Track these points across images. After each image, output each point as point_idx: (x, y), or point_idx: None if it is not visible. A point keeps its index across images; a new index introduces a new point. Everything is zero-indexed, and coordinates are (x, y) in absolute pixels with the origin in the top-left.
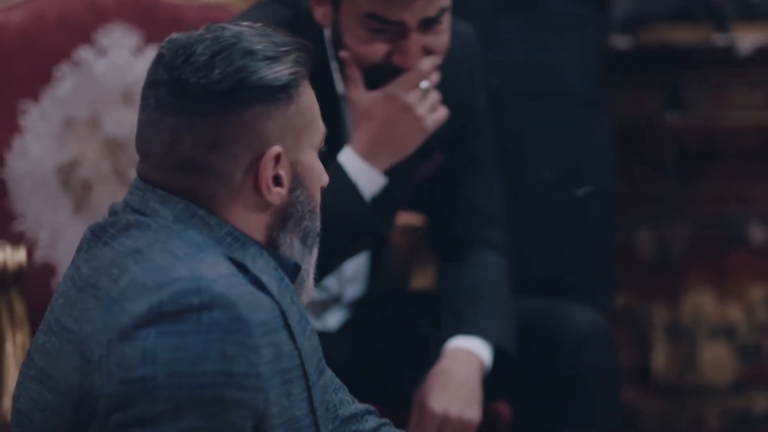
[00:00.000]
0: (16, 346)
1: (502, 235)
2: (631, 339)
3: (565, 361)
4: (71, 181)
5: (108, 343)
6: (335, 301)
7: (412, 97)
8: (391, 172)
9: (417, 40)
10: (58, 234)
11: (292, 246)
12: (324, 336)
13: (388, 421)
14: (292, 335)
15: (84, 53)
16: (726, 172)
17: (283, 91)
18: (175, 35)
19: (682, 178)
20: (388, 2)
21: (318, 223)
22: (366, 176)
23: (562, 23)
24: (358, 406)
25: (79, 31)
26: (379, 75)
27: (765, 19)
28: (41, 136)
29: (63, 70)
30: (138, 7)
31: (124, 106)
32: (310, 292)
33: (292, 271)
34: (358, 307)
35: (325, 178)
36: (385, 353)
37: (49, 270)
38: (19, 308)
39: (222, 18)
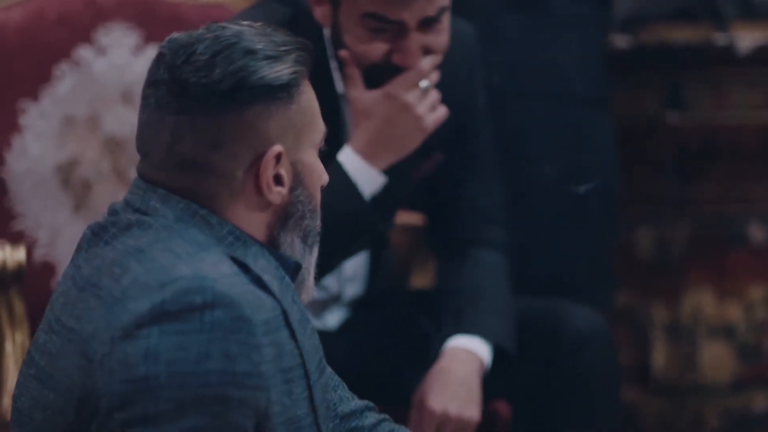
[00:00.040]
0: (15, 345)
1: (501, 235)
2: (631, 338)
3: (565, 360)
4: (71, 180)
5: (110, 342)
6: (335, 300)
7: (411, 97)
8: (390, 172)
9: (416, 39)
10: (58, 233)
11: (292, 245)
12: (323, 335)
13: (387, 417)
14: (293, 334)
15: (84, 52)
16: (726, 171)
17: (283, 91)
18: (175, 35)
19: (682, 177)
20: (388, 2)
21: (318, 222)
22: (365, 175)
23: (565, 23)
24: (357, 403)
25: (79, 30)
26: (378, 74)
27: (765, 19)
28: (41, 135)
29: (63, 69)
30: (138, 6)
31: (124, 105)
32: (310, 291)
33: (293, 270)
34: (357, 306)
35: (325, 178)
36: (384, 352)
37: (48, 269)
38: (19, 307)
39: (221, 17)
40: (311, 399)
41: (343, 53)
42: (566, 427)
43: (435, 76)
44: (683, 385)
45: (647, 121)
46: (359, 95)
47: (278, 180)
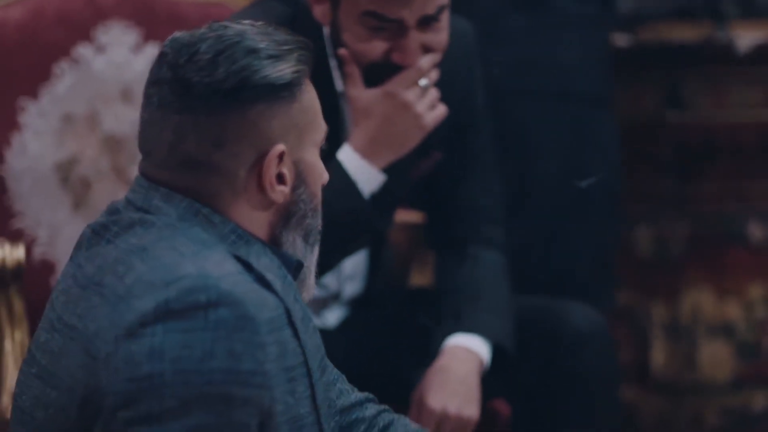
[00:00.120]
0: (14, 344)
1: (501, 234)
2: (630, 337)
3: (564, 359)
4: (70, 179)
5: (114, 341)
6: (334, 298)
7: (411, 95)
8: (390, 170)
9: (416, 37)
10: (57, 231)
11: (294, 244)
12: (323, 333)
13: (387, 407)
14: (296, 333)
15: (83, 50)
16: (725, 170)
17: (286, 90)
18: (177, 34)
19: (682, 176)
20: (388, 0)
21: (320, 221)
22: (365, 174)
23: (569, 22)
24: (357, 395)
25: (79, 29)
26: (378, 73)
27: (765, 17)
28: (40, 133)
29: (62, 67)
30: (137, 5)
31: (123, 103)
32: (311, 289)
33: (295, 268)
34: (357, 304)
35: (326, 176)
36: (383, 351)
37: (48, 267)
38: (18, 306)
39: (221, 15)
40: (313, 398)
41: (342, 52)
42: (565, 426)
43: (434, 75)
44: (683, 384)
45: (647, 120)
46: (359, 94)
47: (281, 179)
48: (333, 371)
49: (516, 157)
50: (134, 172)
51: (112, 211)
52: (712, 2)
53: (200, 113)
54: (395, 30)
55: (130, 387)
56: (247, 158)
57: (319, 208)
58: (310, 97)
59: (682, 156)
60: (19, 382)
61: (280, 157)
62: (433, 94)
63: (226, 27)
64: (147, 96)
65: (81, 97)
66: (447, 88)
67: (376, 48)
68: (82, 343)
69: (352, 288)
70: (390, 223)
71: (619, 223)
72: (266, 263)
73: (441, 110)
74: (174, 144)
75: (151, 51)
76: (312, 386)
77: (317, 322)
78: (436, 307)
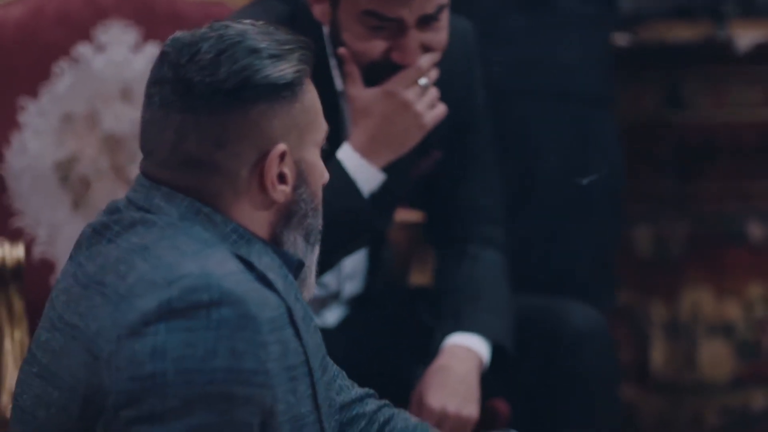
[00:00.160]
0: (14, 343)
1: (500, 233)
2: (630, 336)
3: (564, 359)
4: (70, 178)
5: (117, 340)
6: (334, 297)
7: (410, 94)
8: (389, 169)
9: (415, 37)
10: (57, 230)
11: (295, 243)
12: (322, 333)
13: (387, 402)
14: (297, 332)
15: (83, 49)
16: (725, 169)
17: (287, 89)
18: (178, 33)
19: (681, 175)
20: None
21: (320, 221)
22: (365, 173)
23: (569, 21)
24: (357, 391)
25: (78, 28)
26: (377, 72)
27: (764, 17)
28: (40, 132)
29: (62, 66)
30: (137, 4)
31: (123, 102)
32: (311, 289)
33: (296, 268)
34: (356, 303)
35: (326, 176)
36: (383, 350)
37: (47, 266)
38: (18, 305)
39: (220, 14)
40: (314, 397)
41: (342, 51)
42: (565, 425)
43: (434, 74)
44: (682, 384)
45: (647, 120)
46: (358, 93)
47: (282, 178)
48: (333, 367)
49: (517, 157)
50: (134, 171)
51: (113, 210)
52: (712, 2)
53: (202, 113)
54: (395, 29)
55: (133, 386)
56: (248, 158)
57: (320, 207)
58: (311, 96)
59: (682, 155)
60: (19, 382)
61: (282, 156)
62: (433, 93)
63: (227, 26)
64: (148, 96)
65: (81, 97)
66: (447, 87)
67: (376, 47)
68: (84, 342)
69: (351, 287)
70: (389, 222)
71: (620, 223)
72: (267, 262)
73: (440, 109)
74: (175, 143)
75: (151, 50)
76: (313, 385)
77: (317, 321)
78: (435, 306)
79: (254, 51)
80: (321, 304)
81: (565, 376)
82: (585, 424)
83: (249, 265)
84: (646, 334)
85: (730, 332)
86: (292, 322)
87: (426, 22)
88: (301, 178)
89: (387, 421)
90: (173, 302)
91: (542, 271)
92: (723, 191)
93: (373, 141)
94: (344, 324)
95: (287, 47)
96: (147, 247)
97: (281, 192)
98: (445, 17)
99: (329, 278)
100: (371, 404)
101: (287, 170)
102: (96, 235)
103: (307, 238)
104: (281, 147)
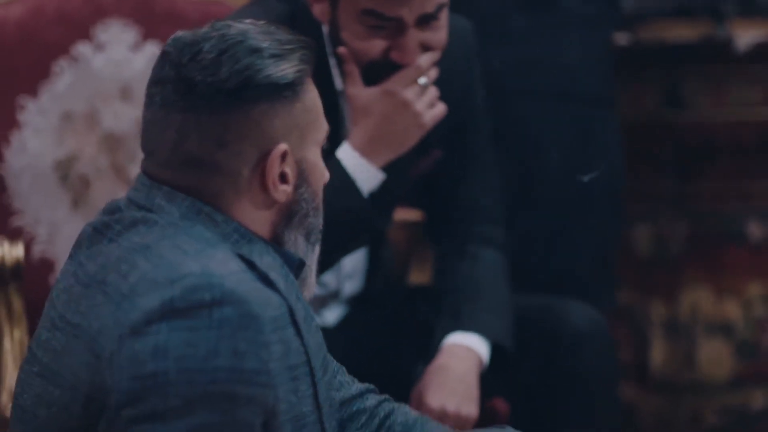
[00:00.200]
0: (14, 342)
1: (500, 233)
2: (629, 336)
3: (564, 358)
4: (69, 177)
5: (119, 339)
6: (333, 296)
7: (410, 93)
8: (389, 168)
9: (415, 36)
10: (57, 229)
11: (296, 243)
12: (322, 332)
13: (387, 397)
14: (299, 332)
15: (82, 48)
16: (724, 168)
17: (289, 89)
18: (180, 33)
19: (681, 175)
20: None
21: (321, 220)
22: (364, 172)
23: (570, 21)
24: (358, 386)
25: (78, 27)
26: (377, 71)
27: (764, 16)
28: (39, 131)
29: (61, 65)
30: (136, 3)
31: (122, 101)
32: (311, 288)
33: (297, 267)
34: (356, 302)
35: (327, 175)
36: (383, 349)
37: (47, 265)
38: (17, 304)
39: (220, 13)
40: (316, 396)
41: (341, 50)
42: (565, 425)
43: (433, 73)
44: (681, 383)
45: (647, 119)
46: (358, 92)
47: (283, 178)
48: (333, 364)
49: (517, 157)
50: (133, 170)
51: (113, 209)
52: (712, 1)
53: (203, 112)
54: (394, 28)
55: (135, 385)
56: (249, 157)
57: (321, 207)
58: (312, 96)
59: (682, 155)
60: (19, 381)
61: (283, 156)
62: (432, 92)
63: (228, 26)
64: (149, 95)
65: (80, 95)
66: (446, 86)
67: (375, 46)
68: (86, 341)
69: (351, 286)
70: (389, 221)
71: (620, 222)
72: (269, 262)
73: (440, 109)
74: (177, 143)
75: (151, 49)
76: (314, 385)
77: (317, 320)
78: (435, 305)
79: (256, 51)
80: (321, 303)
81: (564, 376)
82: (585, 423)
83: (250, 265)
84: (646, 333)
85: (729, 332)
86: (294, 322)
87: (425, 21)
88: (303, 177)
89: (387, 416)
90: (175, 301)
91: (542, 271)
92: (723, 191)
93: (372, 140)
94: (344, 323)
95: (288, 47)
96: (149, 247)
97: (282, 191)
98: (444, 16)
99: (329, 277)
100: (372, 399)
101: (288, 170)
102: (97, 234)
103: (307, 237)
104: (283, 147)
